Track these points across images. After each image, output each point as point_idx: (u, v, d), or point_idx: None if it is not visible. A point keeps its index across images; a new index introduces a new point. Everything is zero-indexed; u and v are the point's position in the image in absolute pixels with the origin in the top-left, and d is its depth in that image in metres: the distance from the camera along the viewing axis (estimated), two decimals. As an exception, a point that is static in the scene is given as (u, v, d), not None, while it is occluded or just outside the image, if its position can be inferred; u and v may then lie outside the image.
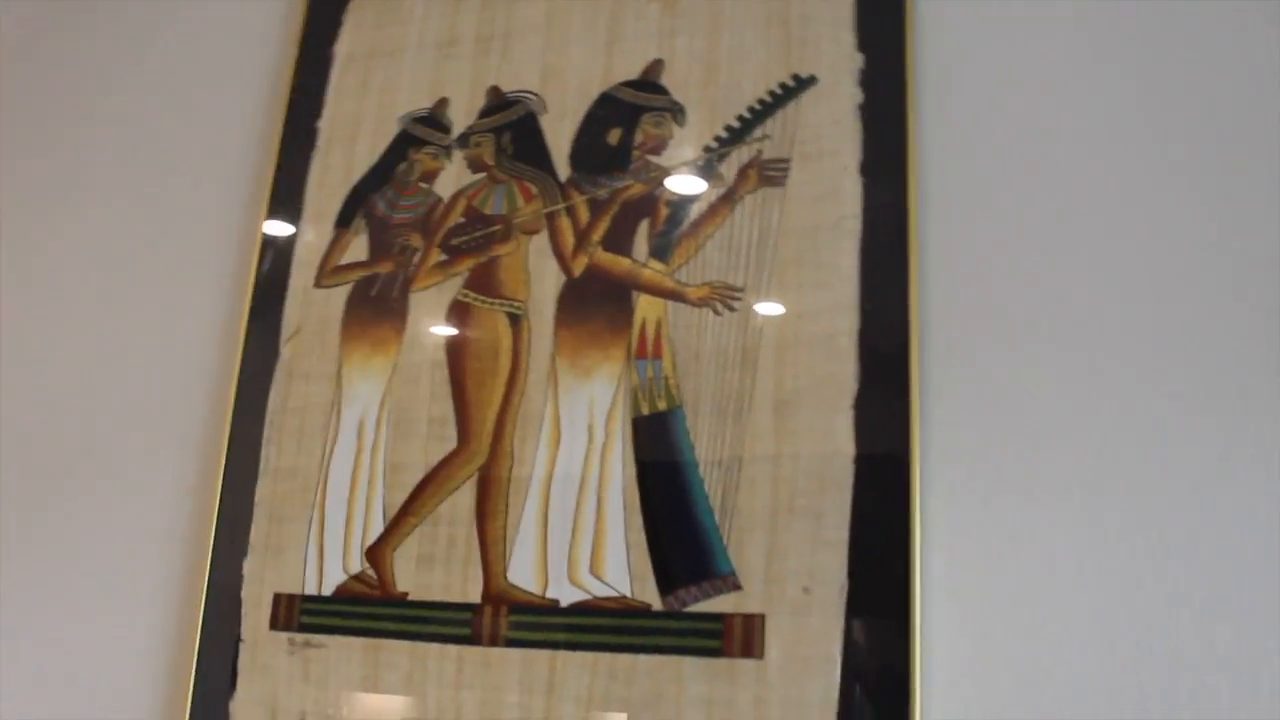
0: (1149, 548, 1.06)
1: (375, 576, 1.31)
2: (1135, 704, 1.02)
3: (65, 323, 1.71)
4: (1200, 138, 1.15)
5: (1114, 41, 1.22)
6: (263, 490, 1.42)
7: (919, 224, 1.21)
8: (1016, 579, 1.09)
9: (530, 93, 1.44)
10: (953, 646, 1.09)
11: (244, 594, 1.38)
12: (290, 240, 1.52)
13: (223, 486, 1.44)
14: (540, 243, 1.36)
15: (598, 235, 1.33)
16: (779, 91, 1.31)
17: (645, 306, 1.27)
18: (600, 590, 1.20)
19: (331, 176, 1.53)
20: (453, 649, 1.25)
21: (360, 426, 1.38)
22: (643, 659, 1.16)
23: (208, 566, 1.41)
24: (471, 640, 1.24)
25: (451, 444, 1.32)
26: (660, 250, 1.29)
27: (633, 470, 1.22)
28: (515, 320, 1.34)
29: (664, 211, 1.31)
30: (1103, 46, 1.22)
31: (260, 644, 1.35)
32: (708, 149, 1.32)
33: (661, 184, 1.33)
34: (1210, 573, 1.03)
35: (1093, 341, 1.13)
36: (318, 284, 1.48)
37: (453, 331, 1.37)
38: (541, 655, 1.21)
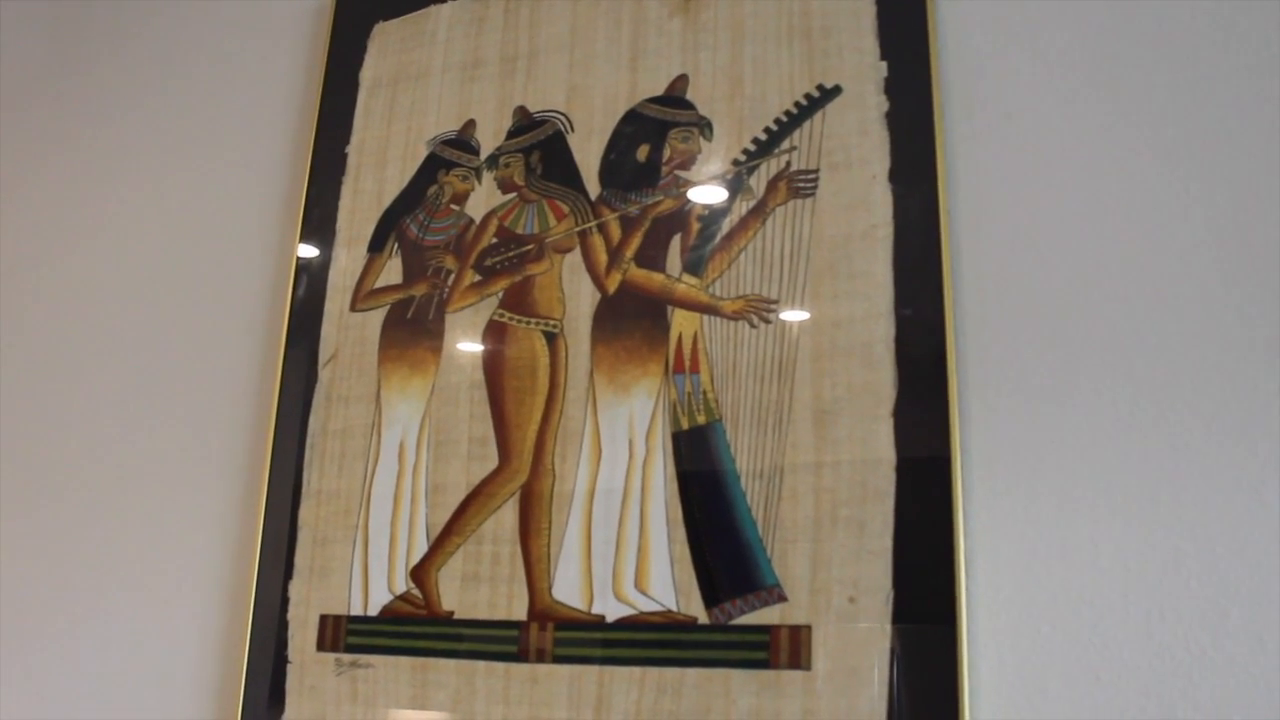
0: (1195, 548, 1.05)
1: (420, 596, 1.32)
2: (1185, 705, 1.02)
3: (105, 349, 1.74)
4: (1235, 132, 1.15)
5: (1139, 38, 1.22)
6: (306, 513, 1.43)
7: (951, 228, 1.21)
8: (1062, 581, 1.09)
9: (557, 112, 1.46)
10: (999, 652, 1.09)
11: (290, 615, 1.40)
12: (324, 265, 1.54)
13: (265, 510, 1.46)
14: (574, 261, 1.37)
15: (630, 252, 1.34)
16: (804, 103, 1.31)
17: (681, 321, 1.28)
18: (645, 605, 1.21)
19: (363, 201, 1.55)
20: (500, 666, 1.26)
21: (401, 448, 1.40)
22: (690, 673, 1.17)
23: (253, 589, 1.43)
24: (518, 658, 1.25)
25: (492, 463, 1.34)
26: (693, 265, 1.30)
27: (675, 484, 1.23)
28: (551, 338, 1.35)
29: (695, 226, 1.32)
30: (1128, 43, 1.22)
31: (308, 665, 1.37)
32: (736, 162, 1.32)
33: (692, 199, 1.33)
34: (1259, 572, 1.03)
35: (1130, 339, 1.13)
36: (353, 308, 1.49)
37: (490, 351, 1.39)
38: (589, 671, 1.21)
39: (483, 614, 1.29)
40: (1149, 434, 1.10)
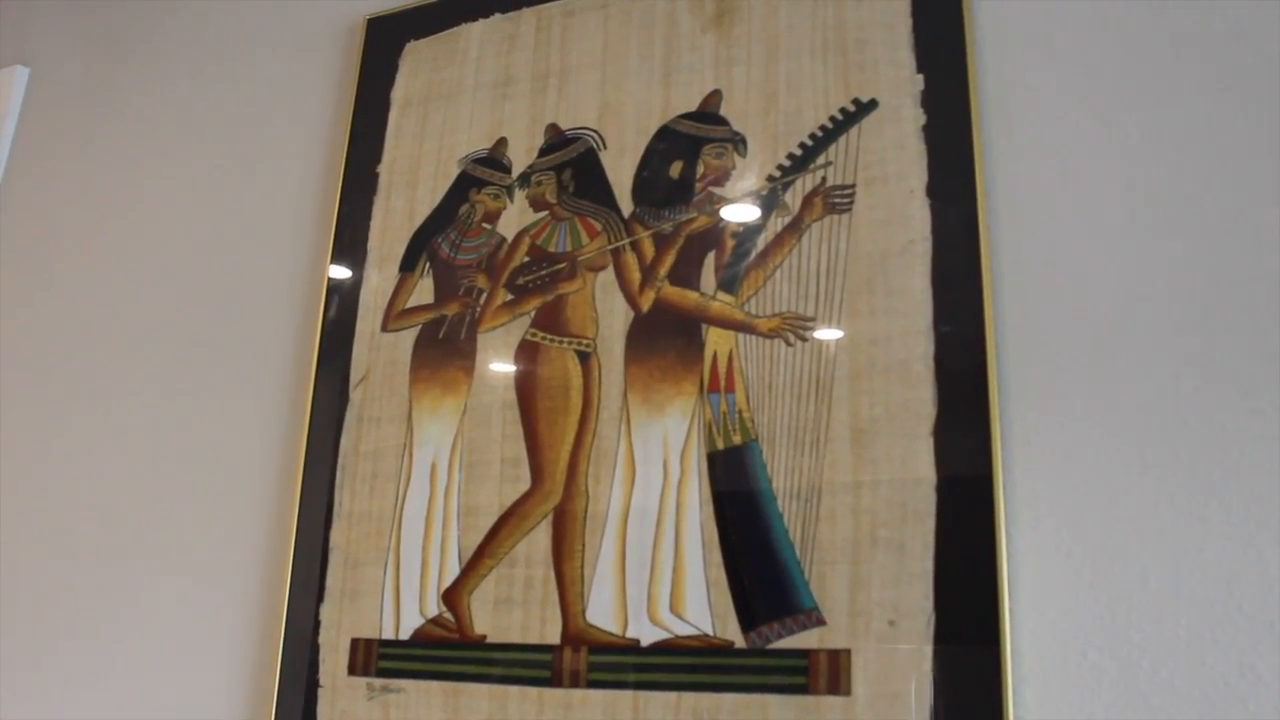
0: (1248, 569, 1.02)
1: (453, 619, 1.31)
2: (1238, 724, 0.99)
3: (135, 369, 1.74)
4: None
5: (1181, 49, 1.20)
6: (337, 535, 1.42)
7: (990, 243, 1.19)
8: (1109, 604, 1.06)
9: (589, 129, 1.45)
10: (1045, 677, 1.06)
11: (321, 639, 1.39)
12: (355, 285, 1.53)
13: (297, 532, 1.45)
14: (606, 279, 1.36)
15: (664, 269, 1.33)
16: (840, 117, 1.30)
17: (716, 340, 1.27)
18: (681, 629, 1.19)
19: (394, 220, 1.54)
20: (533, 691, 1.24)
21: (433, 469, 1.38)
22: (727, 698, 1.14)
23: (284, 612, 1.42)
24: (552, 682, 1.23)
25: (525, 484, 1.32)
26: (728, 282, 1.28)
27: (710, 506, 1.21)
28: (584, 358, 1.34)
29: (730, 243, 1.30)
30: (1169, 54, 1.20)
31: (339, 689, 1.35)
32: (771, 178, 1.31)
33: (726, 216, 1.32)
34: (1315, 594, 1.00)
35: (1176, 354, 1.10)
36: (385, 328, 1.49)
37: (522, 371, 1.37)
38: (624, 696, 1.19)
39: (515, 638, 1.27)
40: (1197, 451, 1.07)
